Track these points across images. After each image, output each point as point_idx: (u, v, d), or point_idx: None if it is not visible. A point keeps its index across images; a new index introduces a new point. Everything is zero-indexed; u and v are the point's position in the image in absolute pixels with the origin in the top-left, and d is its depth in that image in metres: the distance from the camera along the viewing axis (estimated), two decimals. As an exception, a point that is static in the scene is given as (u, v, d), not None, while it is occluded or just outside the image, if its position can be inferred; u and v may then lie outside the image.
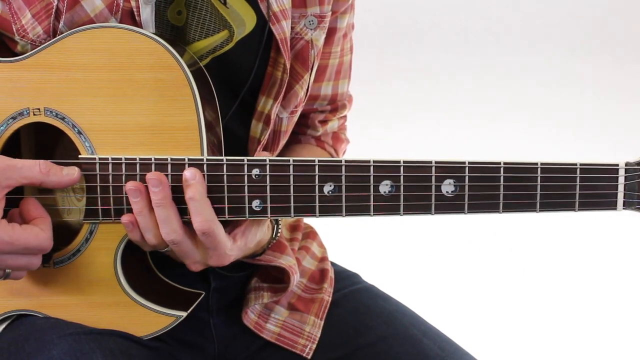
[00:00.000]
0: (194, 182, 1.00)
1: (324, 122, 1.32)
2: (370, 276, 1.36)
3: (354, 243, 2.62)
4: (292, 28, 1.15)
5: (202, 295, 1.13)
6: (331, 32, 1.23)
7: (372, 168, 1.02)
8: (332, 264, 1.34)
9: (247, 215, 1.03)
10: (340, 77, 1.29)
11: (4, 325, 1.10)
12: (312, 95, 1.25)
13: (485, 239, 2.91)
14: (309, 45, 1.17)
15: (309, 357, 1.22)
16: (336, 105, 1.31)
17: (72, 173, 1.02)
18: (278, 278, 1.25)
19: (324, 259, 1.33)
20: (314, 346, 1.23)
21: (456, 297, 2.71)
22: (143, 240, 1.03)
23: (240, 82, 1.14)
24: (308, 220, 1.37)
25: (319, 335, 1.24)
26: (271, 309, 1.24)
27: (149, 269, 1.12)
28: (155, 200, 1.00)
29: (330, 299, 1.28)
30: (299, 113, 1.22)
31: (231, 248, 1.04)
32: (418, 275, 2.74)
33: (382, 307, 1.27)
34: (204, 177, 1.02)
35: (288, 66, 1.13)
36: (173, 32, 1.10)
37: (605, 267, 2.89)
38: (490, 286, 2.76)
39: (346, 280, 1.32)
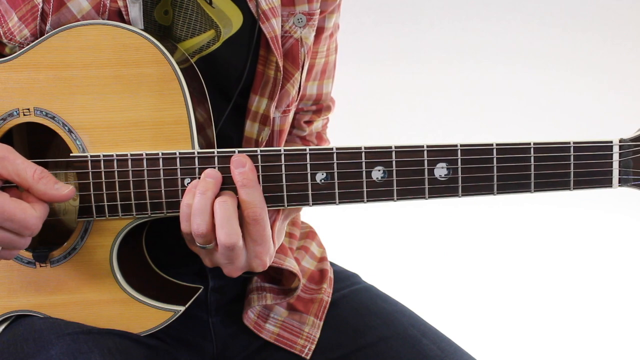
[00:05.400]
0: (246, 169, 1.00)
1: (309, 122, 1.32)
2: (369, 276, 1.35)
3: (353, 243, 2.61)
4: (281, 26, 1.15)
5: (201, 289, 1.12)
6: (319, 32, 1.23)
7: (363, 155, 1.02)
8: (332, 264, 1.34)
9: (241, 207, 1.03)
10: (325, 77, 1.29)
11: (3, 327, 1.10)
12: None
13: (485, 240, 2.91)
14: (299, 44, 1.17)
15: (308, 357, 1.21)
16: (321, 105, 1.32)
17: (62, 189, 0.98)
18: (277, 279, 1.24)
19: (323, 259, 1.32)
20: (313, 346, 1.22)
21: (456, 297, 2.71)
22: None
23: (229, 81, 1.14)
24: (307, 220, 1.36)
25: (318, 335, 1.23)
26: (270, 309, 1.23)
27: (147, 265, 1.12)
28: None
29: (329, 299, 1.27)
30: (292, 112, 1.22)
31: (274, 247, 1.05)
32: (418, 275, 2.73)
33: (381, 308, 1.26)
34: (197, 170, 1.02)
35: (281, 65, 1.14)
36: (160, 32, 1.11)
37: (605, 265, 2.88)
38: (490, 286, 2.76)
39: (345, 281, 1.31)
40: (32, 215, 0.96)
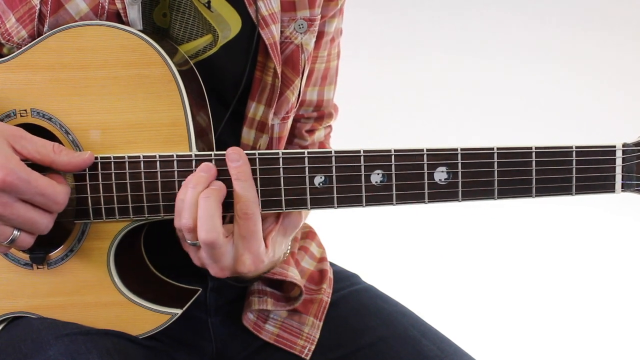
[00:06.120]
0: (241, 163, 0.99)
1: (311, 131, 1.29)
2: (369, 276, 1.35)
3: (353, 243, 2.61)
4: (281, 32, 1.13)
5: (199, 291, 1.11)
6: (319, 36, 1.21)
7: (362, 158, 1.01)
8: (331, 264, 1.33)
9: (238, 211, 1.02)
10: (326, 83, 1.27)
11: (0, 327, 1.10)
12: None
13: (485, 241, 2.89)
14: (299, 50, 1.15)
15: (308, 358, 1.21)
16: (322, 112, 1.29)
17: (82, 154, 1.01)
18: (277, 283, 1.23)
19: (322, 259, 1.31)
20: (313, 347, 1.22)
21: (456, 297, 2.70)
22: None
23: (226, 87, 1.13)
24: (307, 220, 1.35)
25: (317, 336, 1.22)
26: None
27: (145, 267, 1.11)
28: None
29: (329, 299, 1.26)
30: (291, 119, 1.21)
31: (264, 252, 1.03)
32: (418, 275, 2.73)
33: (381, 308, 1.26)
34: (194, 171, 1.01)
35: (279, 71, 1.12)
36: (159, 34, 1.10)
37: (605, 265, 2.87)
38: (490, 287, 2.75)
39: (345, 281, 1.31)
40: (61, 190, 0.99)
